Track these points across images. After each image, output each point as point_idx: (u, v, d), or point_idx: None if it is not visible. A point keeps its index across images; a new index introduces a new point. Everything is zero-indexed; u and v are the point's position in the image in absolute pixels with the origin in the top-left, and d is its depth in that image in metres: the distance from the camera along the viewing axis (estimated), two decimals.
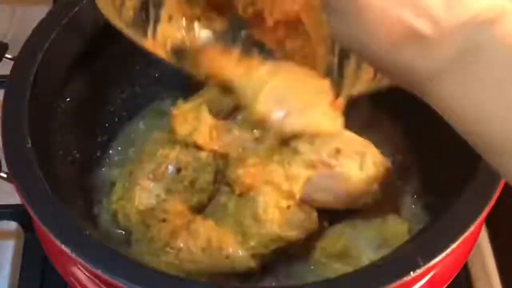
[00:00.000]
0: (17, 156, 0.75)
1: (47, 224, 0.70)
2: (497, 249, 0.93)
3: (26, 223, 0.93)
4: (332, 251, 0.83)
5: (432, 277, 0.73)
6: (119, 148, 0.96)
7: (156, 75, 0.99)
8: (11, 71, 0.82)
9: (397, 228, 0.83)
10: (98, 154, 0.93)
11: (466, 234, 0.68)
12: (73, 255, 0.67)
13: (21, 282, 0.90)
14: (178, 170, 0.85)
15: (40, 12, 0.91)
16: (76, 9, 0.87)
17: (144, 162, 0.86)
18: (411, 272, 0.66)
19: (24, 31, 0.86)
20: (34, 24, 0.86)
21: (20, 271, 0.91)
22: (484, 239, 0.94)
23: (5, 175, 0.77)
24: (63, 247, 0.68)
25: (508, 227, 0.95)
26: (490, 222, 0.93)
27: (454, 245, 0.68)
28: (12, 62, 0.84)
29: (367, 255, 0.81)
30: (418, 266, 0.66)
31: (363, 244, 0.82)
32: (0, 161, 0.76)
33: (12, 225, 0.94)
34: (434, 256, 0.67)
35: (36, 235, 0.81)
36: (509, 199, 0.75)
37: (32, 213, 0.71)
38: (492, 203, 0.71)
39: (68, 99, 0.88)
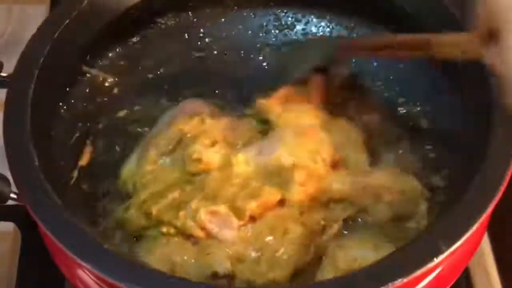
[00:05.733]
0: (21, 164, 0.74)
1: (59, 237, 0.68)
2: (497, 249, 0.93)
3: (23, 224, 0.92)
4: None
5: (435, 276, 0.73)
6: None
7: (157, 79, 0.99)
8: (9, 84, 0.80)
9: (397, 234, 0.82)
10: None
11: (468, 234, 0.68)
12: (90, 268, 0.66)
13: (18, 282, 0.90)
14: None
15: (37, 11, 0.90)
16: (78, 10, 0.86)
17: (157, 137, 0.87)
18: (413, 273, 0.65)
19: (21, 30, 0.85)
20: (31, 23, 0.85)
21: (17, 272, 0.90)
22: (484, 239, 0.94)
23: (15, 196, 0.75)
24: (79, 260, 0.66)
25: (508, 227, 0.95)
26: (490, 222, 0.93)
27: (456, 245, 0.67)
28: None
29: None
30: (421, 266, 0.66)
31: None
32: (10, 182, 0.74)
33: (9, 225, 0.93)
34: (439, 254, 0.66)
35: (33, 235, 0.80)
36: (509, 199, 0.75)
37: (42, 226, 0.69)
38: (493, 203, 0.70)
39: (72, 100, 0.88)
